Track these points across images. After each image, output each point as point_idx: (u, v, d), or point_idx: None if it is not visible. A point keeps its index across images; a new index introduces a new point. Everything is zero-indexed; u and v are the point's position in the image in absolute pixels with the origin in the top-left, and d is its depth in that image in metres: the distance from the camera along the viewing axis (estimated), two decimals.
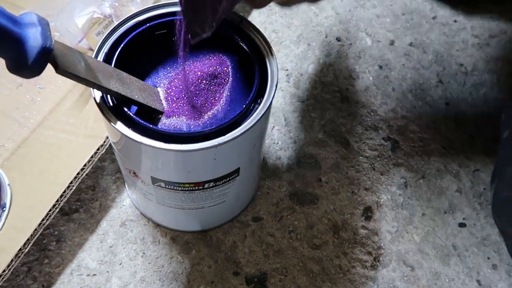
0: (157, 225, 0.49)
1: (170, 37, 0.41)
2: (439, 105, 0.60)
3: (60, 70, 0.32)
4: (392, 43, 0.65)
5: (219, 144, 0.35)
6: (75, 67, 0.33)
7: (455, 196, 0.53)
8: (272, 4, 0.67)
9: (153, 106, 0.38)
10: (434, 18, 0.68)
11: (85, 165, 0.47)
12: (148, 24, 0.40)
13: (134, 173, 0.41)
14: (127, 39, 0.39)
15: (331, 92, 0.60)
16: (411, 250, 0.50)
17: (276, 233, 0.50)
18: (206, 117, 0.38)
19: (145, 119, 0.37)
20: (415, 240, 0.50)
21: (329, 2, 0.68)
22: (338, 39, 0.64)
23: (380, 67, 0.63)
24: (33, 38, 0.29)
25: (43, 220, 0.44)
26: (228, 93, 0.40)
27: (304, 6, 0.67)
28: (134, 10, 0.55)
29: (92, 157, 0.47)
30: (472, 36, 0.66)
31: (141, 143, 0.35)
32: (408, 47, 0.65)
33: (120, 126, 0.35)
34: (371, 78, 0.62)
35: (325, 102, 0.59)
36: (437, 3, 0.69)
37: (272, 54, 0.39)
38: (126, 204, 0.51)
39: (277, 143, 0.56)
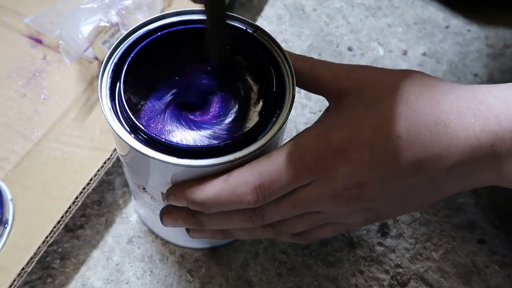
0: (166, 242, 0.47)
1: (182, 47, 0.39)
2: None
3: None
4: (405, 53, 0.63)
5: (236, 160, 0.33)
6: None
7: (473, 211, 0.51)
8: (281, 13, 0.66)
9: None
10: (447, 27, 0.66)
11: (91, 179, 0.45)
12: (159, 33, 0.38)
13: (143, 188, 0.39)
14: (138, 48, 0.37)
15: None
16: (430, 268, 0.48)
17: (289, 250, 0.48)
18: (219, 129, 0.37)
19: (156, 131, 0.35)
20: (434, 258, 0.48)
21: (340, 11, 0.66)
22: (349, 49, 0.63)
23: None
24: None
25: (47, 237, 0.42)
26: (242, 105, 0.38)
27: (314, 16, 0.65)
28: (141, 18, 0.53)
29: (98, 171, 0.45)
30: (486, 45, 0.65)
31: (151, 157, 0.33)
32: (422, 57, 0.63)
33: (128, 138, 0.34)
34: None
35: None
36: (450, 12, 0.68)
37: (288, 65, 0.37)
38: (133, 219, 0.49)
39: None
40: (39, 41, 0.55)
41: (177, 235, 0.46)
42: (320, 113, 0.57)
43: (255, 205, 0.33)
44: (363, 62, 0.62)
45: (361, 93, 0.35)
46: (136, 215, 0.49)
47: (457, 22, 0.67)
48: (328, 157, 0.33)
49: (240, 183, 0.33)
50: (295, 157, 0.33)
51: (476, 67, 0.63)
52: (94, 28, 0.49)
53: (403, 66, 0.62)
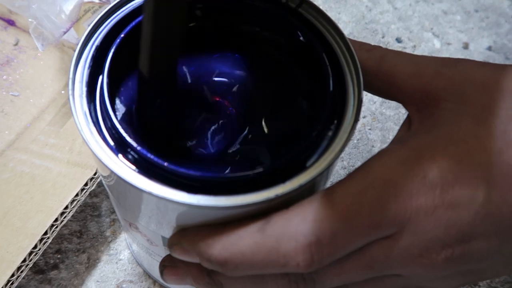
0: None
1: (195, 24, 0.27)
2: None
3: None
4: (466, 46, 0.51)
5: (277, 198, 0.21)
6: None
7: None
8: None
9: None
10: None
11: (66, 207, 0.33)
12: None
13: (136, 227, 0.28)
14: (131, 26, 0.25)
15: (394, 108, 0.46)
16: None
17: None
18: (249, 149, 0.25)
19: (155, 150, 0.24)
20: None
21: None
22: (398, 40, 0.51)
23: None
24: None
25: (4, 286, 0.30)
26: (281, 111, 0.26)
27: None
28: None
29: (77, 195, 0.34)
30: None
31: (147, 192, 0.21)
32: (487, 52, 0.51)
33: (111, 161, 0.22)
34: None
35: (387, 121, 0.45)
36: None
37: (350, 53, 0.26)
38: (124, 258, 0.37)
39: None
40: (11, 22, 0.44)
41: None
42: (366, 120, 0.45)
43: (307, 270, 0.22)
44: None
45: (465, 98, 0.23)
46: (128, 252, 0.37)
47: None
48: (421, 197, 0.21)
49: (285, 236, 0.21)
50: (370, 196, 0.21)
51: None
52: (77, 4, 0.37)
53: None
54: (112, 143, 0.23)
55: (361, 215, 0.21)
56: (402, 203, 0.21)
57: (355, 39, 0.50)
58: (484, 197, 0.21)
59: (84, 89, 0.24)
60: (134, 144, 0.22)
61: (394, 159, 0.22)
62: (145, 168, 0.22)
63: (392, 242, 0.22)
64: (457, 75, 0.24)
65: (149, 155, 0.22)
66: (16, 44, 0.43)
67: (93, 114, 0.24)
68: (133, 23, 0.26)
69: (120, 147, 0.23)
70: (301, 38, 0.26)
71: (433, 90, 0.24)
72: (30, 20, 0.35)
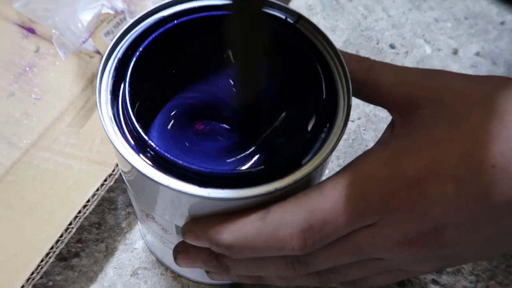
0: (178, 276, 0.39)
1: (206, 39, 0.31)
2: None
3: None
4: (455, 52, 0.55)
5: (276, 191, 0.25)
6: None
7: None
8: (312, 3, 0.57)
9: None
10: (502, 23, 0.57)
11: (88, 200, 0.37)
12: (176, 21, 0.30)
13: (152, 217, 0.31)
14: (149, 40, 0.29)
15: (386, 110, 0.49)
16: None
17: None
18: (252, 150, 0.28)
19: (171, 150, 0.27)
20: None
21: (379, 3, 0.58)
22: (391, 46, 0.54)
23: None
24: None
25: (32, 273, 0.34)
26: (281, 117, 0.30)
27: (350, 7, 0.57)
28: (151, 5, 0.45)
29: (97, 190, 0.37)
30: None
31: (165, 185, 0.25)
32: (475, 57, 0.54)
33: (133, 158, 0.26)
34: None
35: (380, 122, 0.49)
36: (504, 6, 0.59)
37: (342, 65, 0.29)
38: (138, 247, 0.40)
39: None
40: (31, 30, 0.47)
41: (192, 268, 0.38)
42: (360, 121, 0.49)
43: (301, 252, 0.25)
44: (407, 61, 0.53)
45: (441, 106, 0.27)
46: (142, 241, 0.41)
47: None
48: (400, 192, 0.25)
49: (282, 223, 0.25)
50: (356, 190, 0.25)
51: None
52: (95, 16, 0.40)
53: (454, 67, 0.53)
54: (133, 143, 0.26)
55: (347, 206, 0.25)
56: (384, 197, 0.25)
57: (351, 45, 0.54)
58: (453, 192, 0.24)
59: (109, 96, 0.28)
60: (152, 144, 0.26)
61: (378, 159, 0.26)
62: (162, 165, 0.26)
63: (375, 230, 0.25)
64: (435, 85, 0.28)
65: (166, 154, 0.25)
66: (36, 51, 0.46)
67: (116, 118, 0.27)
68: (150, 38, 0.29)
69: (140, 146, 0.26)
70: (298, 52, 0.30)
71: (413, 98, 0.28)
72: (53, 31, 0.39)
